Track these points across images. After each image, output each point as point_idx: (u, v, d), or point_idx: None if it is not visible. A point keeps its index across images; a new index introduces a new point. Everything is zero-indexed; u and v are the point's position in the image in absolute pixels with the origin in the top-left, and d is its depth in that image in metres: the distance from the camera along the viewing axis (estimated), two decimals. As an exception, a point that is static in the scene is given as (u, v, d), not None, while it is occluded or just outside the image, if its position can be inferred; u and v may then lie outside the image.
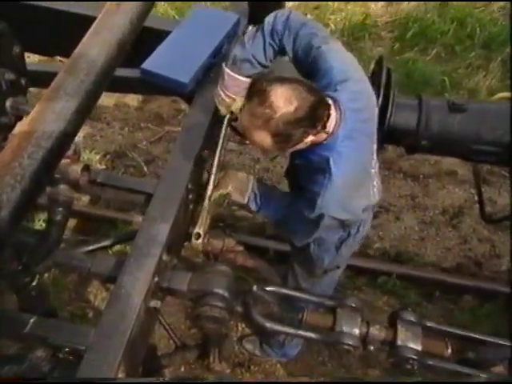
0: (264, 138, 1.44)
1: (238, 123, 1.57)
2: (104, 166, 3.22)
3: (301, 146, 1.52)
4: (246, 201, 1.73)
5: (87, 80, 1.25)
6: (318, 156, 1.53)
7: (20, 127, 1.16)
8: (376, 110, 1.65)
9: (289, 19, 1.62)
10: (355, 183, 1.60)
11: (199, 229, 1.60)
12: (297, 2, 4.09)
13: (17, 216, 1.03)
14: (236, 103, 1.67)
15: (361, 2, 4.19)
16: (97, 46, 1.31)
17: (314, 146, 1.53)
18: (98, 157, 3.23)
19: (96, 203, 3.00)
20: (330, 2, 4.15)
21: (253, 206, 1.75)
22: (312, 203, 1.55)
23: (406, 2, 4.15)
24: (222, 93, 1.67)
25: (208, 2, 4.03)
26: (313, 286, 2.08)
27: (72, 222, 2.88)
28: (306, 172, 1.60)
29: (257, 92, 1.41)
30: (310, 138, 1.48)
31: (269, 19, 1.64)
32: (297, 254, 2.01)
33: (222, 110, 1.71)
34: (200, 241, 1.60)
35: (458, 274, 2.83)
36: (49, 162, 1.13)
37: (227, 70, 1.65)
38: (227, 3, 3.95)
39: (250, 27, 1.77)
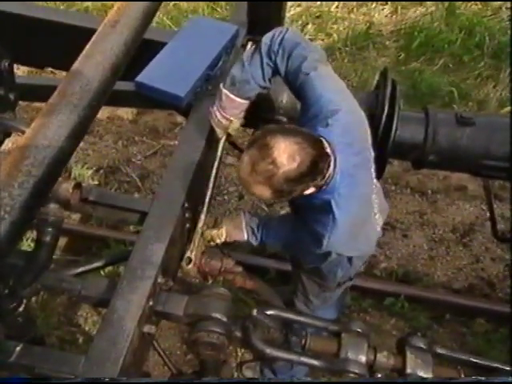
0: (264, 192, 1.46)
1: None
2: (96, 182, 3.23)
3: (299, 195, 1.54)
4: (246, 237, 1.77)
5: (80, 105, 1.26)
6: (320, 199, 1.54)
7: (11, 152, 1.16)
8: (368, 136, 1.65)
9: (284, 39, 1.63)
10: (360, 220, 1.62)
11: (191, 253, 1.61)
12: (298, 10, 4.15)
13: (6, 248, 1.03)
14: (233, 125, 1.70)
15: (364, 11, 4.24)
16: (90, 69, 1.32)
17: (314, 191, 1.55)
18: (90, 172, 3.24)
19: (87, 221, 3.00)
20: (332, 11, 4.20)
21: (253, 241, 1.79)
22: (317, 242, 1.57)
23: (412, 11, 4.21)
24: (218, 114, 1.69)
25: (205, 12, 4.09)
26: (324, 301, 2.09)
27: (62, 241, 2.87)
28: (309, 211, 1.62)
29: (260, 146, 1.42)
30: (311, 190, 1.51)
31: (265, 39, 1.65)
32: (307, 271, 2.02)
33: (219, 132, 1.73)
34: (191, 266, 1.60)
35: (469, 296, 2.82)
36: (40, 192, 1.14)
37: (226, 91, 1.66)
38: (225, 13, 4.01)
39: (249, 45, 1.79)
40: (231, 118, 1.68)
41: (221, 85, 1.70)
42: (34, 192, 1.10)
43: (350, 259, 1.85)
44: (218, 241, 1.74)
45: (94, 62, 1.35)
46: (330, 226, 1.52)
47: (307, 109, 1.59)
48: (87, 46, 1.37)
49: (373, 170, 1.67)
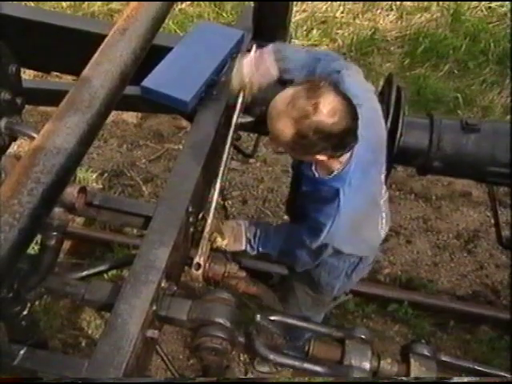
0: (286, 129, 1.42)
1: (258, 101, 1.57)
2: (101, 186, 3.23)
3: (307, 159, 1.53)
4: (244, 247, 1.78)
5: (89, 112, 1.27)
6: (328, 186, 1.54)
7: (20, 158, 1.16)
8: (385, 141, 1.67)
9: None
10: (363, 216, 1.61)
11: (199, 259, 1.60)
12: (304, 16, 4.16)
13: (14, 256, 1.03)
14: (252, 86, 1.68)
15: (369, 17, 4.25)
16: (99, 76, 1.33)
17: (326, 174, 1.55)
18: (94, 176, 3.25)
19: (91, 224, 3.01)
20: (337, 16, 4.21)
21: (250, 250, 1.80)
22: (316, 232, 1.56)
23: (417, 17, 4.21)
24: (247, 66, 1.67)
25: (211, 16, 4.10)
26: (316, 312, 2.07)
27: (65, 244, 2.88)
28: (313, 201, 1.61)
29: (311, 86, 1.41)
30: (322, 158, 1.49)
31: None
32: (301, 282, 2.00)
33: (234, 84, 1.71)
34: (200, 271, 1.60)
35: (474, 303, 2.80)
36: (49, 199, 1.14)
37: (270, 53, 1.67)
38: (231, 18, 4.02)
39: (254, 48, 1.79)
40: (253, 80, 1.67)
41: (270, 46, 1.70)
42: (43, 199, 1.10)
43: (347, 275, 1.83)
44: (220, 246, 1.75)
45: (103, 69, 1.35)
46: (333, 215, 1.51)
47: None
48: (96, 54, 1.38)
49: (383, 176, 1.67)
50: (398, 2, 4.29)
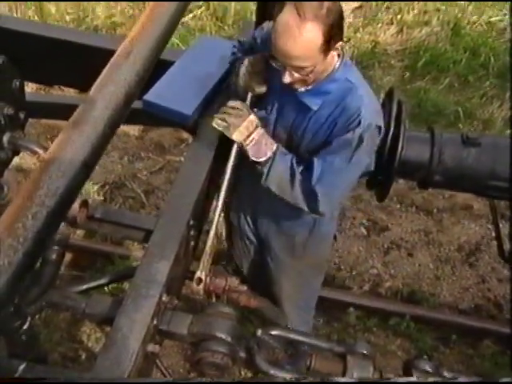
0: (315, 33, 1.43)
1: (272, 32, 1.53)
2: (102, 198, 3.24)
3: (322, 66, 1.55)
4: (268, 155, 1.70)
5: (94, 134, 1.28)
6: (335, 82, 1.60)
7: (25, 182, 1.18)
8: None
9: None
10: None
11: (201, 274, 1.59)
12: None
13: (18, 280, 1.04)
14: (261, 88, 1.71)
15: (370, 30, 4.29)
16: (104, 98, 1.35)
17: (323, 79, 1.60)
18: (95, 187, 3.25)
19: (92, 236, 3.00)
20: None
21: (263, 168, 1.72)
22: (351, 120, 1.59)
23: (418, 31, 4.24)
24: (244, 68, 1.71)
25: (213, 30, 4.14)
26: (319, 274, 2.16)
27: (66, 256, 2.87)
28: (332, 105, 1.63)
29: None
30: (336, 52, 1.55)
31: None
32: (292, 256, 2.06)
33: (239, 85, 1.72)
34: (201, 286, 1.59)
35: (476, 317, 2.79)
36: (53, 222, 1.15)
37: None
38: (232, 32, 4.06)
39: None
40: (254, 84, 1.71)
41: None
42: (47, 222, 1.11)
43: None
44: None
45: (108, 91, 1.37)
46: (360, 95, 1.59)
47: None
48: (101, 75, 1.41)
49: None
50: (399, 16, 4.33)
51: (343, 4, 1.52)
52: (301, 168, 1.70)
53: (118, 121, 1.37)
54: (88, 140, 1.26)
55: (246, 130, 1.65)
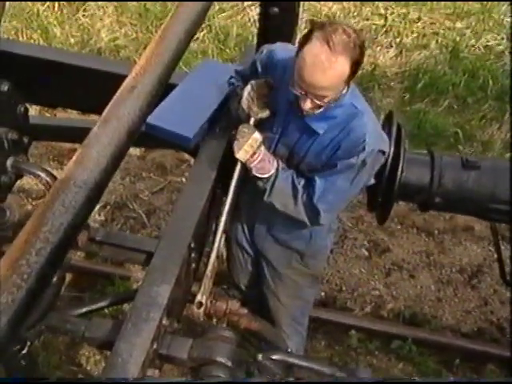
0: (344, 65, 1.48)
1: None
2: (103, 218, 3.24)
3: (337, 95, 1.58)
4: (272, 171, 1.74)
5: (97, 170, 1.30)
6: (341, 107, 1.63)
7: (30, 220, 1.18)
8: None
9: None
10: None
11: (201, 297, 1.59)
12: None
13: (21, 316, 1.04)
14: (263, 112, 1.74)
15: (369, 53, 4.34)
16: (107, 134, 1.36)
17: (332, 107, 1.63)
18: (97, 208, 3.25)
19: (92, 257, 2.99)
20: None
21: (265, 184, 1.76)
22: (356, 145, 1.62)
23: (417, 53, 4.30)
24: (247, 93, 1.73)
25: (215, 52, 4.19)
26: (316, 284, 2.18)
27: (66, 277, 2.86)
28: (337, 129, 1.67)
29: (325, 27, 1.48)
30: (349, 83, 1.59)
31: None
32: (290, 264, 2.07)
33: (242, 107, 1.75)
34: (202, 309, 1.58)
35: (479, 340, 2.76)
36: (56, 258, 1.15)
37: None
38: (234, 54, 4.11)
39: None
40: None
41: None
42: (51, 258, 1.12)
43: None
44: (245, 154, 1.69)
45: (111, 127, 1.39)
46: (365, 122, 1.63)
47: None
48: (105, 110, 1.43)
49: None
50: (398, 39, 4.38)
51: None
52: (302, 183, 1.75)
53: (120, 157, 1.39)
54: (91, 176, 1.27)
55: (250, 148, 1.68)
